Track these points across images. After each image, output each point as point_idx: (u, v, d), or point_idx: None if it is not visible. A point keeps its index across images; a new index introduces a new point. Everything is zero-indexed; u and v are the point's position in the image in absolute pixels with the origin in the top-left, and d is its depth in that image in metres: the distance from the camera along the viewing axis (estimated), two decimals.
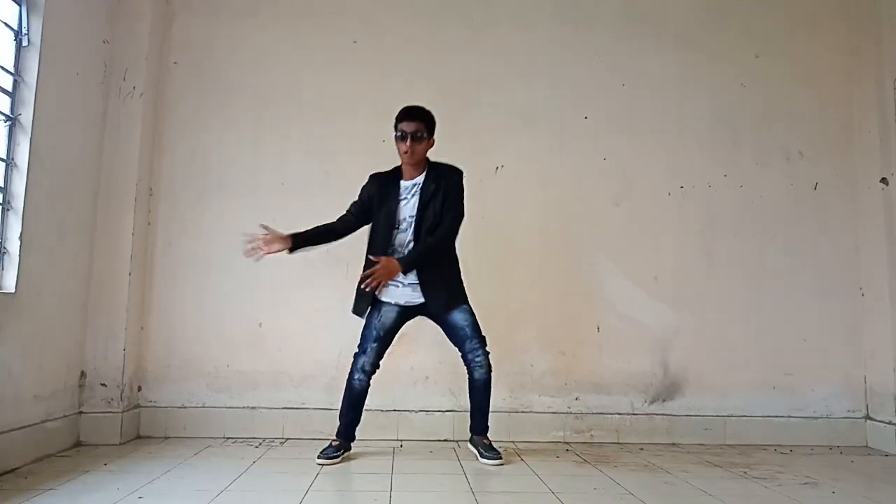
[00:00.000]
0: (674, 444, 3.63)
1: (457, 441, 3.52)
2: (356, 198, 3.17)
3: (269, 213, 3.67)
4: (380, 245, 3.03)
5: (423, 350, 3.63)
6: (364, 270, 3.01)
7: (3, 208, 2.81)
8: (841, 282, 3.85)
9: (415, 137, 3.01)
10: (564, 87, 3.88)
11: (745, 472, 2.99)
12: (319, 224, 3.09)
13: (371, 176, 3.16)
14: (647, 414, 3.70)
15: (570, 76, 3.89)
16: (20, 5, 2.90)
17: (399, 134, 3.05)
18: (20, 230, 2.81)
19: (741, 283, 3.82)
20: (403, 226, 3.04)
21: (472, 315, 3.06)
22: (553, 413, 3.62)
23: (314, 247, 3.11)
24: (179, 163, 3.70)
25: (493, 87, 3.83)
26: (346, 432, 3.08)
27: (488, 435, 3.13)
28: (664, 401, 3.72)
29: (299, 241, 3.01)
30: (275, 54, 3.81)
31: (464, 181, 3.13)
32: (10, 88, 2.86)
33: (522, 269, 3.75)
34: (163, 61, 3.73)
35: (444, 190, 3.04)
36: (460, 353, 3.06)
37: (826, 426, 3.72)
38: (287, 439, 3.51)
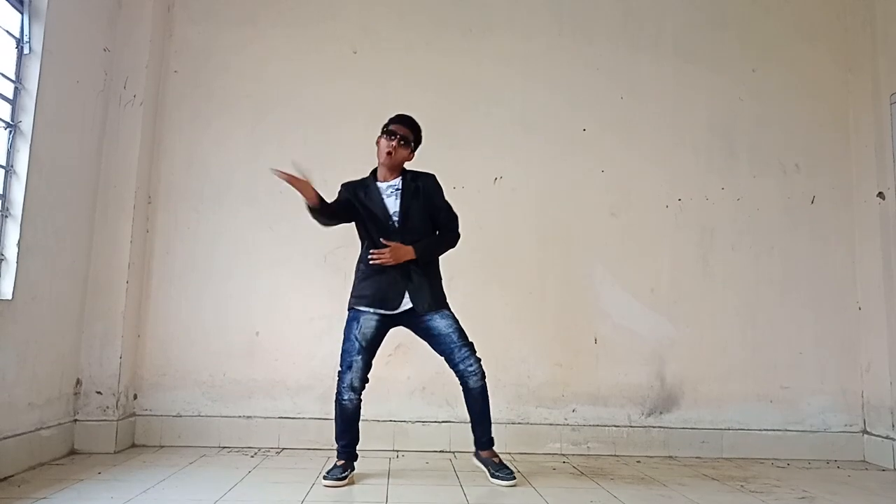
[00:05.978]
0: (670, 456, 3.62)
1: (453, 452, 3.51)
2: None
3: (268, 221, 3.70)
4: (381, 243, 2.87)
5: (419, 360, 3.61)
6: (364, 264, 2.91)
7: (1, 215, 2.81)
8: (837, 295, 3.86)
9: (402, 141, 2.94)
10: (563, 99, 3.90)
11: (741, 486, 2.98)
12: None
13: (344, 184, 3.03)
14: (644, 426, 3.69)
15: (568, 88, 3.92)
16: (22, 13, 2.91)
17: (386, 133, 2.96)
18: (18, 237, 2.81)
19: (738, 296, 3.82)
20: (391, 223, 2.92)
21: (457, 321, 2.91)
22: (550, 425, 3.62)
23: (322, 217, 2.91)
24: (178, 171, 3.71)
25: (491, 99, 3.85)
26: (348, 452, 2.90)
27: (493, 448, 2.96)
28: (661, 413, 3.71)
29: (322, 204, 2.85)
30: (274, 63, 3.82)
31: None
32: (10, 96, 2.87)
33: (520, 280, 3.75)
34: (163, 70, 3.75)
35: (426, 189, 2.96)
36: (450, 364, 2.89)
37: (823, 440, 3.72)
38: (282, 449, 3.49)
